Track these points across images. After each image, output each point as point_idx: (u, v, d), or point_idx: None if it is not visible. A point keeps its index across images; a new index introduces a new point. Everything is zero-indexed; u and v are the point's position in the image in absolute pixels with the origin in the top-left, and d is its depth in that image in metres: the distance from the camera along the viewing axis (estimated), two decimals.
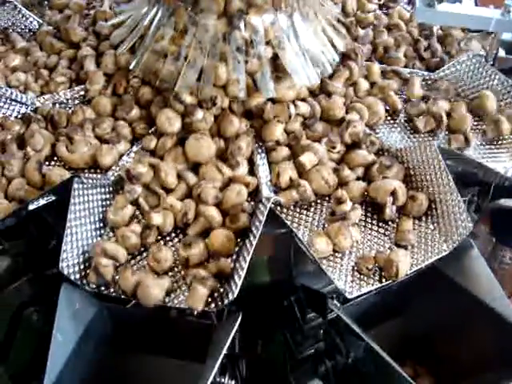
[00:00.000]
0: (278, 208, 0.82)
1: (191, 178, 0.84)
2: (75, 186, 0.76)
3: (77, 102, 1.00)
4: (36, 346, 0.96)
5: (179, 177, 0.85)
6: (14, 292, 0.93)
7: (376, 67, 1.04)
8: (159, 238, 0.81)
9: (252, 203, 0.83)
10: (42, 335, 0.93)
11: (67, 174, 0.85)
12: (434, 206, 0.85)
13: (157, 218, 0.77)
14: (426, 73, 1.08)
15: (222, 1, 0.86)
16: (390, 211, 0.82)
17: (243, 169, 0.85)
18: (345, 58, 1.03)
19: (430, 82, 1.06)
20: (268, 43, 0.92)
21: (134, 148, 0.90)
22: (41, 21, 1.19)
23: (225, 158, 0.87)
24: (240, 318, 0.73)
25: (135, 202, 0.81)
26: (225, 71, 0.88)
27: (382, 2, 1.27)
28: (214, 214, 0.80)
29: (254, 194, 0.85)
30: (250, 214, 0.80)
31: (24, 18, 1.18)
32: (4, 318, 0.94)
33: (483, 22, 1.00)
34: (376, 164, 0.89)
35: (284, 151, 0.89)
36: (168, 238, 0.81)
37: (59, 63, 1.07)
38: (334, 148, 0.89)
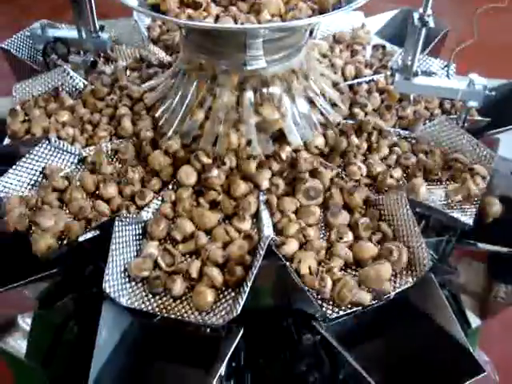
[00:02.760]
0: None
1: (202, 237, 1.00)
2: (116, 223, 0.96)
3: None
4: (74, 353, 1.15)
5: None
6: (60, 308, 1.10)
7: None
8: None
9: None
10: (81, 344, 1.13)
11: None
12: (403, 245, 0.98)
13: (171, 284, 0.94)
14: (406, 132, 1.25)
15: (235, 77, 1.07)
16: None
17: (248, 224, 1.01)
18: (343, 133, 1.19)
19: (411, 141, 1.22)
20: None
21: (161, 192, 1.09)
22: (86, 82, 1.37)
23: (232, 214, 1.03)
24: (242, 332, 0.88)
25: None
26: (236, 137, 1.06)
27: (374, 69, 1.45)
28: (215, 274, 0.93)
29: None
30: (249, 266, 0.93)
31: (72, 80, 1.36)
32: (50, 331, 1.12)
33: (452, 92, 1.17)
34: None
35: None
36: None
37: (101, 120, 1.25)
38: (341, 238, 1.01)
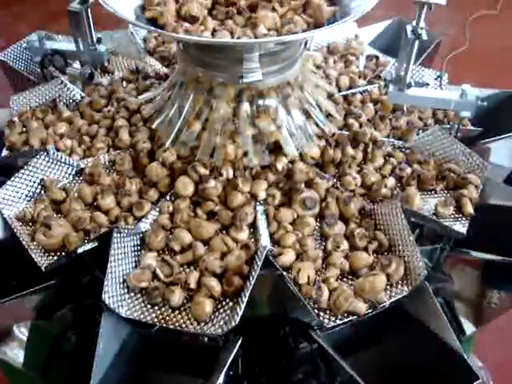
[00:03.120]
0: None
1: (200, 248, 1.00)
2: (115, 234, 0.96)
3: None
4: (72, 363, 1.15)
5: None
6: (58, 319, 1.11)
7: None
8: None
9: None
10: (79, 355, 1.14)
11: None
12: (397, 255, 1.01)
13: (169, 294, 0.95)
14: (400, 142, 1.26)
15: (231, 90, 1.09)
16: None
17: (245, 234, 1.02)
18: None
19: (405, 151, 1.24)
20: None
21: (159, 203, 1.10)
22: (83, 94, 1.38)
23: (229, 224, 1.04)
24: (240, 341, 0.89)
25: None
26: (233, 149, 1.08)
27: (367, 79, 1.47)
28: (213, 284, 0.94)
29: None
30: (247, 276, 0.94)
31: (69, 91, 1.37)
32: (48, 341, 1.13)
33: (445, 103, 1.20)
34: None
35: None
36: None
37: (98, 131, 1.26)
38: (338, 247, 1.02)
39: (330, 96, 1.34)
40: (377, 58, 1.57)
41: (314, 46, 1.63)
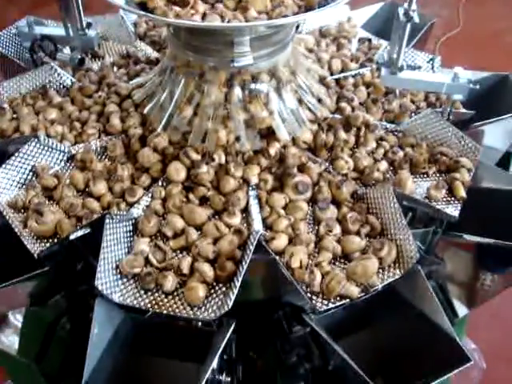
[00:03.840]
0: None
1: (193, 233, 1.00)
2: (107, 221, 0.96)
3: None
4: (67, 349, 1.15)
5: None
6: (52, 306, 1.11)
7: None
8: None
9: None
10: (73, 341, 1.14)
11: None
12: (390, 238, 1.02)
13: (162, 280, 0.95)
14: (393, 125, 1.26)
15: (223, 74, 1.08)
16: None
17: (238, 219, 1.02)
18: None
19: (397, 134, 1.24)
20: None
21: (151, 189, 1.09)
22: (74, 79, 1.37)
23: (222, 210, 1.04)
24: (233, 326, 0.89)
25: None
26: (225, 134, 1.07)
27: (360, 62, 1.46)
28: (206, 269, 0.94)
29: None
30: (239, 261, 0.94)
31: (59, 77, 1.36)
32: (43, 327, 1.13)
33: (437, 86, 1.19)
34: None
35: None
36: None
37: (89, 117, 1.25)
38: (330, 231, 1.03)
39: (322, 79, 1.33)
40: (369, 40, 1.57)
41: (305, 29, 1.62)
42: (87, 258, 1.07)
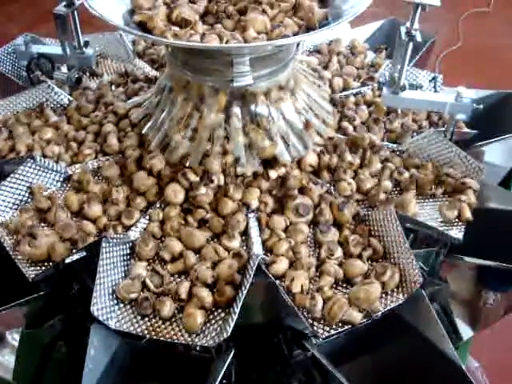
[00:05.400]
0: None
1: (191, 257, 0.97)
2: (103, 244, 0.94)
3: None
4: (63, 373, 1.13)
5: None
6: (48, 328, 1.08)
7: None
8: None
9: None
10: (69, 365, 1.12)
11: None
12: (393, 262, 1.00)
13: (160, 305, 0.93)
14: (395, 145, 1.25)
15: (222, 95, 1.06)
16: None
17: (237, 242, 1.00)
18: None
19: (401, 155, 1.22)
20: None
21: (149, 211, 1.07)
22: (71, 98, 1.35)
23: (221, 232, 1.02)
24: (233, 352, 0.88)
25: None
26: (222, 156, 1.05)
27: (361, 80, 1.46)
28: (204, 294, 0.92)
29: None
30: (239, 285, 0.92)
31: (56, 96, 1.34)
32: (39, 350, 1.11)
33: (440, 105, 1.17)
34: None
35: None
36: None
37: (86, 137, 1.23)
38: (332, 255, 1.00)
39: (324, 99, 1.31)
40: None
41: (306, 46, 1.60)
42: (83, 281, 1.05)
